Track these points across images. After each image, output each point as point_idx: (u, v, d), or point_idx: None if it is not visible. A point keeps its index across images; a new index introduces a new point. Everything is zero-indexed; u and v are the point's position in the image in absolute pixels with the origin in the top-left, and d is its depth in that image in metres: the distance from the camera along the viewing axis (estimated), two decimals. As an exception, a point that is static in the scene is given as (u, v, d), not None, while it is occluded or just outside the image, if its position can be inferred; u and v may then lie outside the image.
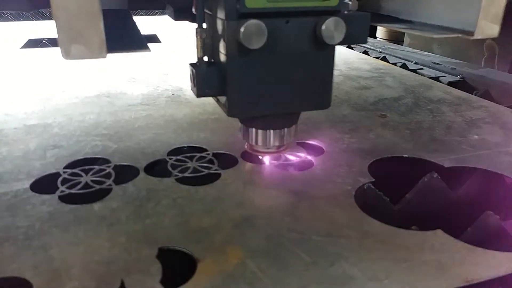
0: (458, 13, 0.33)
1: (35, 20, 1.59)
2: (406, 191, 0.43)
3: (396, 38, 1.53)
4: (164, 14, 1.62)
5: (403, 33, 1.39)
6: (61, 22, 0.26)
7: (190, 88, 0.36)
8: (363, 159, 0.46)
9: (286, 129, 0.39)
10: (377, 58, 1.05)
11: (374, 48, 1.18)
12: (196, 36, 0.34)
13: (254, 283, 0.29)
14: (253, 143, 0.40)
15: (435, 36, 0.34)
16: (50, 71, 0.85)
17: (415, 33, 0.36)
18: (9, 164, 0.45)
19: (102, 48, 0.27)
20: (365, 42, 0.36)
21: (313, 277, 0.29)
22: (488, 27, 0.31)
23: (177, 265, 0.31)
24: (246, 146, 0.43)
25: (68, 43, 0.26)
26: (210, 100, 0.68)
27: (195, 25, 0.35)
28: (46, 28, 1.38)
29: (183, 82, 0.76)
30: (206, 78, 0.34)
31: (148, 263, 0.30)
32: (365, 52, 1.14)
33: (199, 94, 0.35)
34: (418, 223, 0.38)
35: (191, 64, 0.35)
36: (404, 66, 0.96)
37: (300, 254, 0.32)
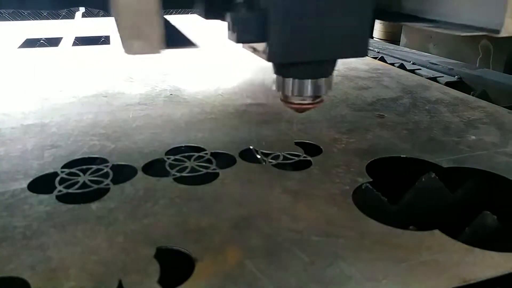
0: (483, 11, 0.33)
1: (32, 19, 1.59)
2: (404, 191, 0.43)
3: (393, 38, 1.53)
4: (192, 13, 1.61)
5: (400, 33, 1.39)
6: (124, 20, 0.27)
7: (227, 36, 0.36)
8: (361, 159, 0.46)
9: (323, 79, 0.39)
10: (375, 58, 1.05)
11: (372, 48, 1.18)
12: None
13: (252, 283, 0.29)
14: (289, 93, 0.40)
15: (462, 34, 0.35)
16: (47, 70, 0.84)
17: (440, 31, 0.36)
18: (6, 163, 0.44)
19: (161, 44, 0.28)
20: None
21: (311, 277, 0.29)
22: None
23: (175, 265, 0.31)
24: (280, 99, 0.42)
25: (130, 39, 0.28)
26: (208, 100, 0.68)
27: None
28: (44, 28, 1.37)
29: (181, 82, 0.76)
30: (246, 23, 0.34)
31: (146, 263, 0.30)
32: (363, 53, 1.13)
33: (239, 40, 0.35)
34: (416, 223, 0.38)
35: (230, 10, 0.36)
36: (401, 67, 0.97)
37: (299, 254, 0.32)
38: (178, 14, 1.63)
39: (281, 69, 0.40)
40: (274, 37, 0.34)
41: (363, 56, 0.38)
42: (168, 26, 0.39)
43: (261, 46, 0.36)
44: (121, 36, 0.28)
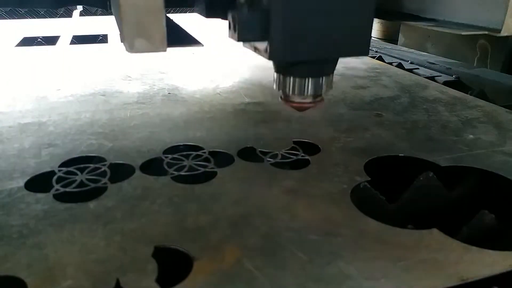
0: (484, 11, 0.33)
1: (29, 18, 1.58)
2: (402, 190, 0.43)
3: (390, 37, 1.53)
4: (192, 12, 1.62)
5: (398, 33, 1.40)
6: (128, 18, 0.27)
7: (228, 36, 0.36)
8: (359, 158, 0.46)
9: (324, 78, 0.39)
10: (373, 57, 1.05)
11: (370, 47, 1.18)
12: None
13: (250, 282, 0.29)
14: (289, 92, 0.40)
15: (463, 33, 0.35)
16: (45, 69, 0.84)
17: (442, 30, 0.36)
18: (3, 162, 0.44)
19: (163, 42, 0.28)
20: None
21: (310, 276, 0.29)
22: None
23: (173, 264, 0.31)
24: (279, 98, 0.42)
25: (132, 38, 0.28)
26: (206, 99, 0.68)
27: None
28: (41, 27, 1.37)
29: (179, 81, 0.76)
30: (248, 22, 0.34)
31: (144, 262, 0.30)
32: (361, 52, 1.14)
33: (240, 38, 0.35)
34: (414, 222, 0.38)
35: (231, 9, 0.36)
36: (400, 66, 0.97)
37: (297, 252, 0.32)
38: (176, 13, 1.63)
39: (281, 68, 0.40)
40: (275, 36, 0.34)
41: (364, 55, 0.38)
42: (171, 24, 0.40)
43: (262, 45, 0.36)
44: (122, 34, 0.28)
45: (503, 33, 0.32)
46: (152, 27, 0.28)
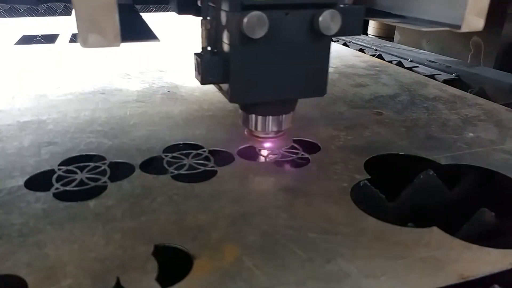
0: (447, 8, 0.35)
1: (28, 16, 1.58)
2: (402, 188, 0.43)
3: (386, 35, 1.54)
4: (169, 11, 1.63)
5: (394, 30, 1.40)
6: (81, 13, 0.28)
7: (194, 76, 0.38)
8: (359, 156, 0.46)
9: (284, 115, 0.42)
10: (373, 55, 1.05)
11: (369, 46, 1.18)
12: (201, 27, 0.37)
13: (250, 280, 0.29)
14: (253, 128, 0.42)
15: (424, 29, 0.36)
16: (44, 67, 0.84)
17: (406, 27, 0.38)
18: (2, 161, 0.44)
19: (117, 37, 0.29)
20: (359, 34, 0.39)
21: (309, 274, 0.29)
22: (474, 21, 0.33)
23: (173, 263, 0.31)
24: (245, 132, 0.44)
25: (85, 33, 0.29)
26: (205, 97, 0.68)
27: (194, 21, 0.37)
28: (40, 25, 1.37)
29: (179, 79, 0.76)
30: (210, 66, 0.36)
31: (144, 260, 0.30)
32: (361, 50, 1.14)
33: (203, 82, 0.37)
34: (414, 220, 0.38)
35: (196, 54, 0.38)
36: (399, 64, 0.97)
37: (296, 251, 0.32)
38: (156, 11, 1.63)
39: (244, 106, 0.42)
40: (235, 80, 0.36)
41: (321, 96, 0.40)
42: (133, 19, 0.41)
43: (225, 86, 0.38)
44: (77, 29, 0.29)
45: (463, 29, 0.33)
46: (105, 22, 0.28)
